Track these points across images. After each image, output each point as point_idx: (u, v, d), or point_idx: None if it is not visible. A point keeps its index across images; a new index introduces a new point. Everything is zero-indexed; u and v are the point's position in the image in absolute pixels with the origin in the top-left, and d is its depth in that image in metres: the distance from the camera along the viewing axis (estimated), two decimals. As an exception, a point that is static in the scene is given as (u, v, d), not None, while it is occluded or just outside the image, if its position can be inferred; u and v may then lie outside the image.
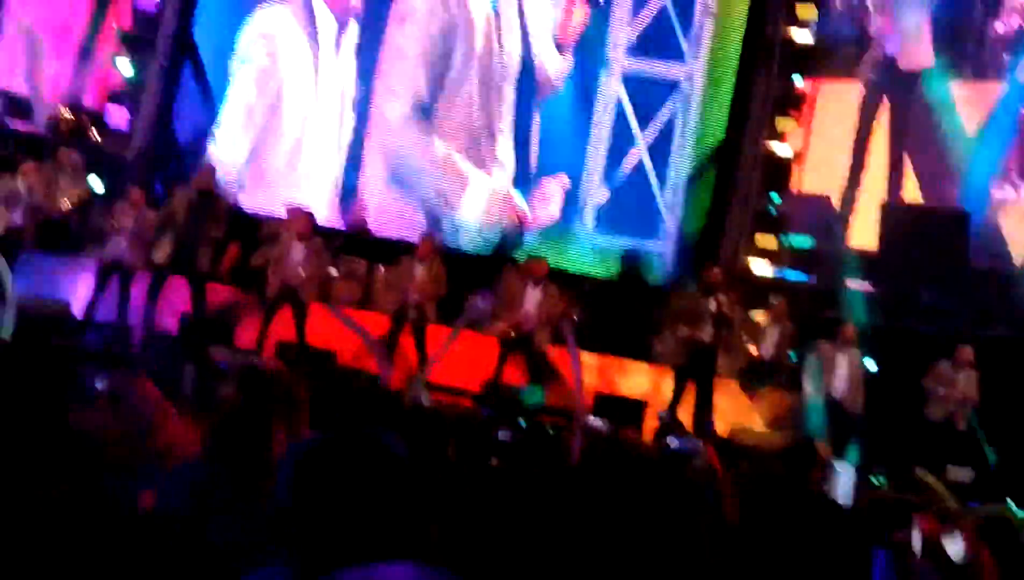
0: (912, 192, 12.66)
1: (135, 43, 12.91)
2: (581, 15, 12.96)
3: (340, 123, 13.14)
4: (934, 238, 11.57)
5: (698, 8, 13.03)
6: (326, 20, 13.17)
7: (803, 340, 10.95)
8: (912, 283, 11.61)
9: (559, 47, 13.01)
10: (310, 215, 10.86)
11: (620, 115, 13.00)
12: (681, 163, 12.88)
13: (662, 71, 13.02)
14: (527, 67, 13.01)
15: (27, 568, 2.29)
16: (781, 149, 12.73)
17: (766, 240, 12.50)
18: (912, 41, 12.68)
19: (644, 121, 12.97)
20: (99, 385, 3.28)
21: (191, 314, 10.21)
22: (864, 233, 12.44)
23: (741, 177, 12.84)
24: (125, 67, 12.83)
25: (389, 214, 12.99)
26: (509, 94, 12.99)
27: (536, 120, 13.01)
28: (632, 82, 13.02)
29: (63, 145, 11.23)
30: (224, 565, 2.44)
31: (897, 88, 12.78)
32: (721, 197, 12.81)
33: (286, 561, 1.85)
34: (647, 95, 12.97)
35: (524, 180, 12.95)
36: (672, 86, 12.98)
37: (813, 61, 12.88)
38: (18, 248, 10.15)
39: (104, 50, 13.18)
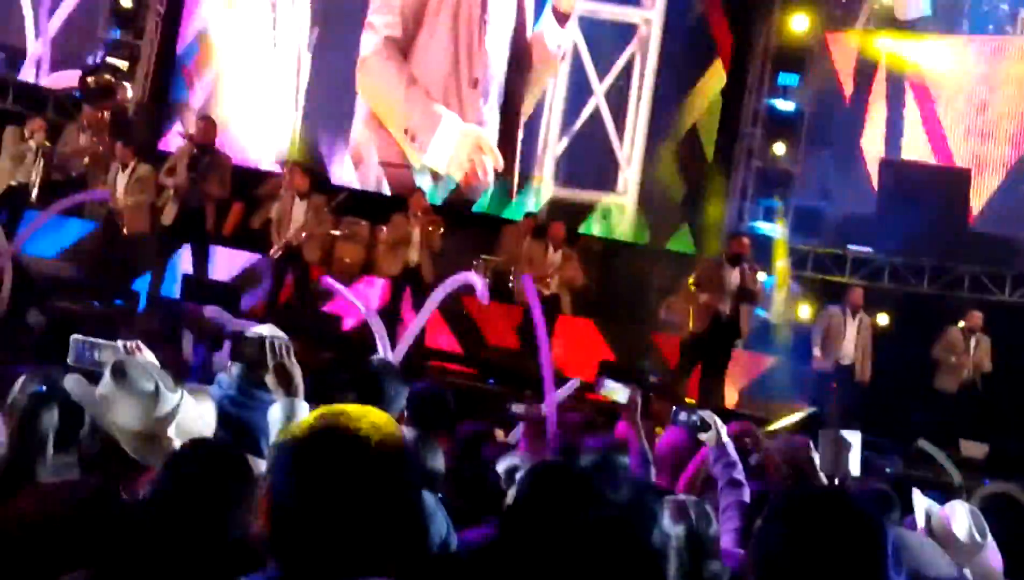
0: (920, 149, 12.55)
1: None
2: None
3: (297, 67, 12.80)
4: (933, 197, 11.42)
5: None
6: None
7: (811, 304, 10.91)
8: (911, 245, 11.48)
9: (560, 17, 12.76)
10: (309, 170, 10.68)
11: (576, 61, 12.75)
12: (640, 112, 12.64)
13: (619, 15, 12.77)
14: (519, 38, 12.72)
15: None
16: (784, 105, 12.57)
17: (768, 201, 12.38)
18: None
19: (602, 68, 12.70)
20: (96, 355, 3.19)
21: (193, 277, 10.12)
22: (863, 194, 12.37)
23: (743, 134, 12.72)
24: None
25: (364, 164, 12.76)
26: (494, 48, 12.67)
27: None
28: (588, 26, 12.74)
29: (89, 103, 11.02)
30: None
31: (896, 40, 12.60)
32: (724, 155, 12.67)
33: (280, 567, 1.68)
34: (604, 40, 12.71)
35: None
36: (630, 30, 12.73)
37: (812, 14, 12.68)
38: (24, 204, 10.06)
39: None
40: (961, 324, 10.37)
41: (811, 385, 10.64)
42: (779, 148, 12.43)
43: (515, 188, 12.76)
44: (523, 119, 12.76)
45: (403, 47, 12.66)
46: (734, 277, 9.83)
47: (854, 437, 4.40)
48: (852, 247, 12.04)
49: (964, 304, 10.86)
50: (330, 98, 12.83)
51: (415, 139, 12.60)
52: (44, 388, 2.96)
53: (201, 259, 10.14)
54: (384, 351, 4.92)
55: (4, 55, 12.40)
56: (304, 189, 10.18)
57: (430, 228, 10.25)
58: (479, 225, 12.03)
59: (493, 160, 12.64)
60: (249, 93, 12.74)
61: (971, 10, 12.68)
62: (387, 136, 12.69)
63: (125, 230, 9.97)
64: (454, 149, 12.59)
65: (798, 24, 12.46)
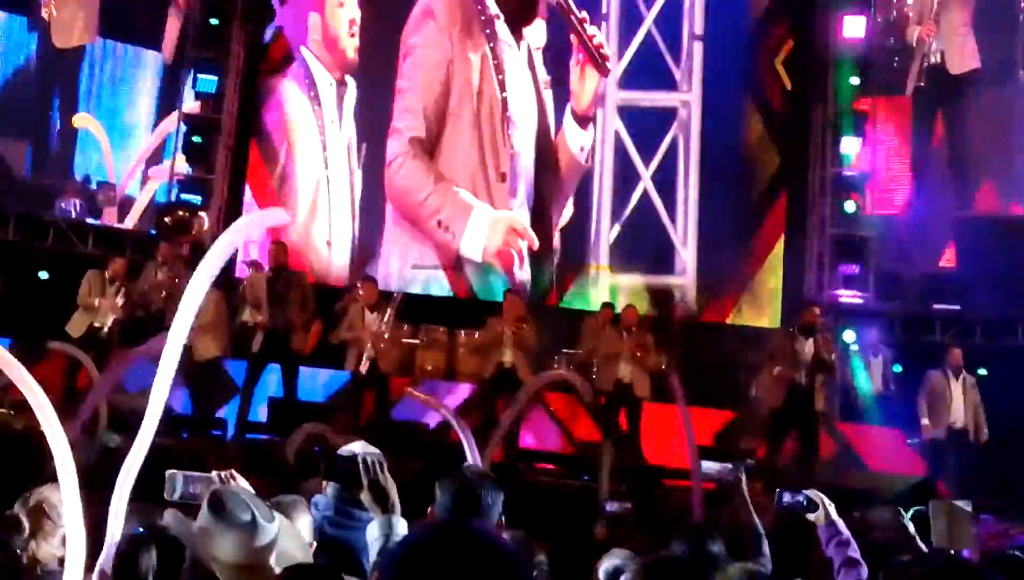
0: (990, 201, 12.35)
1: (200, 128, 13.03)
2: (593, 83, 12.84)
3: (350, 183, 13.06)
4: (1011, 248, 11.17)
5: (685, 34, 12.94)
6: (324, 80, 13.19)
7: (906, 369, 10.63)
8: (996, 298, 11.20)
9: (580, 120, 12.91)
10: (374, 281, 10.83)
11: (620, 148, 12.88)
12: (690, 193, 12.70)
13: (658, 101, 12.92)
14: (543, 140, 12.88)
15: None
16: (849, 171, 12.47)
17: (848, 267, 12.18)
18: (957, 43, 12.50)
19: (646, 153, 12.84)
20: (192, 488, 3.19)
21: (283, 399, 10.21)
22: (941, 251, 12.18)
23: (811, 204, 12.62)
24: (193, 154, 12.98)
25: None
26: (520, 145, 12.84)
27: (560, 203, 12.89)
28: (628, 114, 12.91)
29: (166, 240, 11.32)
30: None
31: (948, 95, 12.53)
32: (795, 227, 12.57)
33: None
34: (645, 126, 12.87)
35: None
36: (670, 114, 12.85)
37: (865, 78, 12.65)
38: (110, 345, 10.24)
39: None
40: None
41: (924, 454, 10.30)
42: (851, 212, 12.28)
43: (553, 281, 12.78)
44: (556, 221, 12.85)
45: (429, 147, 12.90)
46: (808, 348, 9.70)
47: (967, 506, 4.23)
48: (938, 306, 11.77)
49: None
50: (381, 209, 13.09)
51: (448, 230, 12.73)
52: (141, 529, 2.96)
53: (290, 381, 10.25)
54: (472, 457, 4.87)
55: (83, 202, 12.80)
56: (373, 300, 10.28)
57: (524, 326, 10.28)
58: (550, 318, 11.97)
59: (528, 242, 12.68)
60: (311, 215, 13.02)
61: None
62: (419, 236, 12.82)
63: (195, 357, 10.05)
64: (488, 236, 12.71)
65: (855, 87, 12.41)
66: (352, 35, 13.15)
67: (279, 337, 10.05)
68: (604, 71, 12.80)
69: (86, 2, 13.15)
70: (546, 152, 12.92)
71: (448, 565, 1.70)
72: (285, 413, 9.59)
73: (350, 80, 13.17)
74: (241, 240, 4.51)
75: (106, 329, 10.12)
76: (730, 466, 4.46)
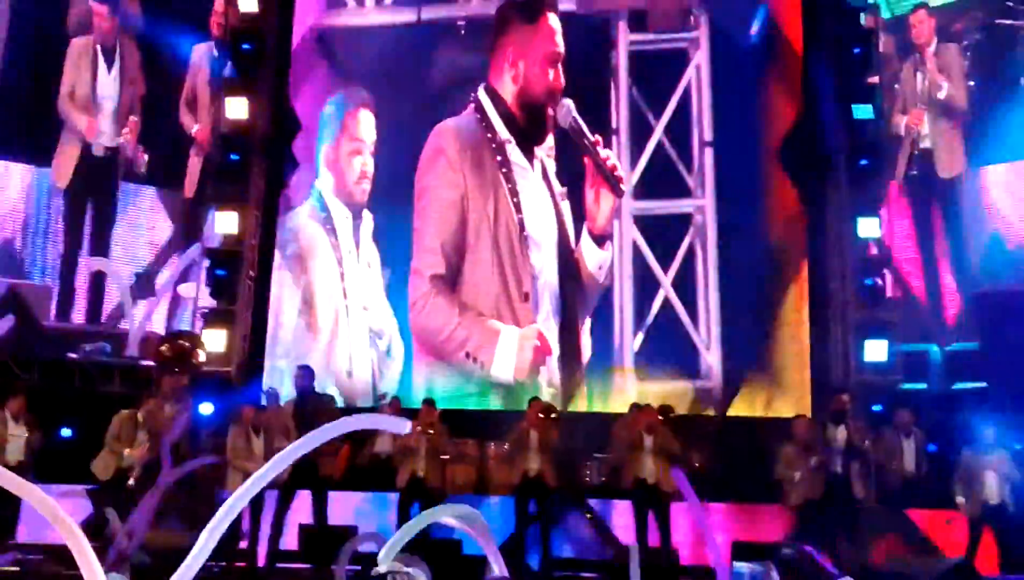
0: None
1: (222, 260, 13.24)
2: (609, 204, 13.03)
3: (369, 310, 13.31)
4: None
5: (695, 140, 13.15)
6: (340, 213, 13.51)
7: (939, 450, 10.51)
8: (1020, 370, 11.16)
9: (597, 240, 13.09)
10: (398, 401, 11.01)
11: (639, 257, 13.06)
12: (711, 296, 12.81)
13: (672, 208, 13.12)
14: (565, 251, 13.08)
15: None
16: (871, 254, 12.51)
17: (874, 351, 12.10)
18: (945, 148, 12.94)
19: (665, 259, 13.04)
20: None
21: (314, 525, 10.16)
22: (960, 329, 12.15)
23: (832, 291, 12.61)
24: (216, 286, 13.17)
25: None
26: (541, 260, 13.02)
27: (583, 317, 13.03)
28: (644, 222, 13.11)
29: (166, 373, 11.37)
30: None
31: (939, 189, 12.93)
32: (819, 316, 12.56)
33: None
34: (662, 232, 13.07)
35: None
36: (686, 220, 13.05)
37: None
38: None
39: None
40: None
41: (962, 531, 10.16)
42: (872, 294, 12.26)
43: (582, 388, 12.85)
44: (582, 329, 12.95)
45: (450, 281, 13.11)
46: (840, 435, 9.63)
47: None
48: (960, 386, 11.69)
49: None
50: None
51: (477, 360, 12.85)
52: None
53: (320, 507, 10.22)
54: (498, 569, 4.83)
55: (109, 344, 12.97)
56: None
57: (547, 425, 10.30)
58: (580, 424, 11.94)
59: (551, 352, 12.81)
60: (331, 344, 13.25)
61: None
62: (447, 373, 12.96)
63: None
64: (517, 356, 12.80)
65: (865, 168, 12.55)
66: (360, 182, 13.53)
67: (308, 462, 10.03)
68: (619, 193, 13.00)
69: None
70: (568, 262, 13.09)
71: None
72: (317, 540, 9.53)
73: (366, 212, 13.49)
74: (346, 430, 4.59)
75: (133, 478, 9.99)
76: (760, 566, 4.42)
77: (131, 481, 9.91)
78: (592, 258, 13.09)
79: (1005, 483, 9.93)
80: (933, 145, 13.00)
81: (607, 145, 13.18)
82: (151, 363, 12.70)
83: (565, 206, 13.14)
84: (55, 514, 2.84)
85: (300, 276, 13.51)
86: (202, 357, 12.41)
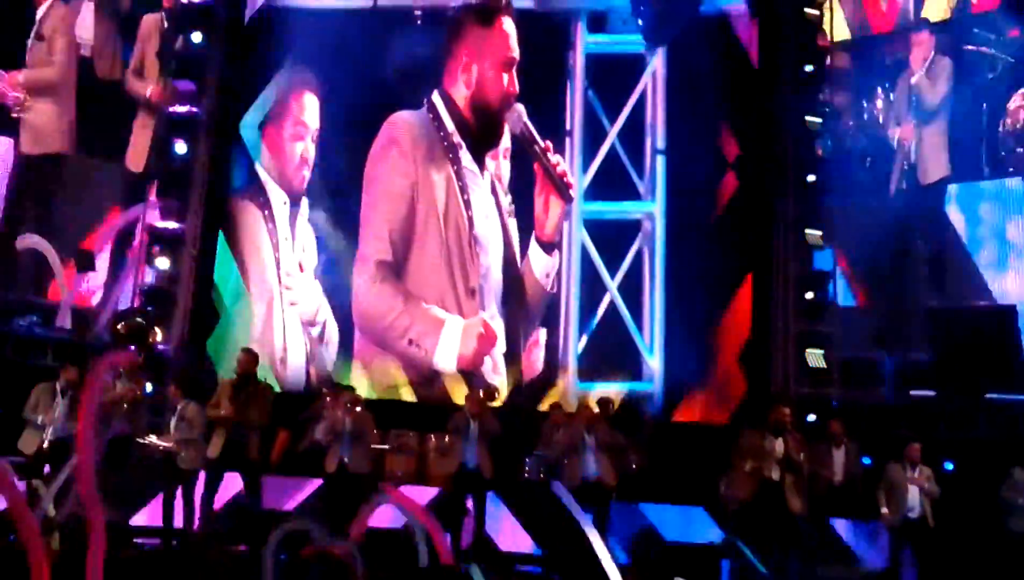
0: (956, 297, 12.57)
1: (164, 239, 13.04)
2: (557, 210, 13.09)
3: (303, 298, 13.22)
4: (982, 338, 11.36)
5: (648, 147, 13.28)
6: (278, 198, 13.42)
7: (876, 460, 10.70)
8: (971, 387, 11.37)
9: (545, 246, 13.14)
10: (351, 389, 10.95)
11: (587, 260, 13.09)
12: (656, 301, 12.92)
13: (622, 212, 13.17)
14: (510, 270, 13.11)
15: None
16: (816, 265, 12.68)
17: (815, 360, 12.28)
18: (929, 154, 12.89)
19: (613, 262, 13.09)
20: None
21: (247, 507, 10.07)
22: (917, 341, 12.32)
23: (775, 302, 12.76)
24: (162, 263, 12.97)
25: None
26: (488, 263, 13.06)
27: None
28: (593, 226, 13.16)
29: (121, 348, 11.24)
30: None
31: (925, 197, 12.84)
32: (761, 323, 12.70)
33: None
34: (611, 237, 13.13)
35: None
36: (635, 225, 13.12)
37: (831, 175, 12.95)
38: (67, 458, 10.03)
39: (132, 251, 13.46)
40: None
41: (883, 542, 10.36)
42: (816, 307, 12.44)
43: (522, 390, 12.90)
44: (524, 345, 13.00)
45: (396, 268, 13.07)
46: (778, 447, 9.83)
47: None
48: (915, 392, 11.91)
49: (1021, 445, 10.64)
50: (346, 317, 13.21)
51: (420, 346, 12.79)
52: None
53: (253, 489, 10.13)
54: (421, 559, 4.79)
55: (38, 317, 12.69)
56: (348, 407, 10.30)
57: (487, 414, 10.39)
58: (520, 423, 11.95)
59: (496, 342, 12.82)
60: (265, 331, 13.17)
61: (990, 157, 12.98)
62: (386, 362, 12.87)
63: (182, 466, 9.97)
64: (460, 345, 12.80)
65: (815, 184, 12.69)
66: (300, 169, 13.44)
67: (239, 445, 9.93)
68: (568, 199, 13.06)
69: (62, 110, 13.26)
70: (512, 280, 13.10)
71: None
72: (248, 521, 9.43)
73: (304, 200, 13.38)
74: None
75: (46, 443, 9.78)
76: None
77: (45, 444, 9.75)
78: (539, 265, 13.12)
79: (927, 499, 10.16)
80: (918, 153, 13.04)
81: (560, 146, 13.23)
82: (83, 338, 12.50)
83: (512, 224, 13.16)
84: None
85: (236, 258, 13.34)
86: (159, 336, 12.28)
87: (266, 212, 13.40)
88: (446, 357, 12.82)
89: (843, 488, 10.65)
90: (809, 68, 12.96)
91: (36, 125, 13.29)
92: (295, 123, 13.56)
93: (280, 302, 13.20)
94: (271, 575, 6.36)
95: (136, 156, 13.61)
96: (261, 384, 10.64)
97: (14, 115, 13.25)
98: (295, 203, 13.40)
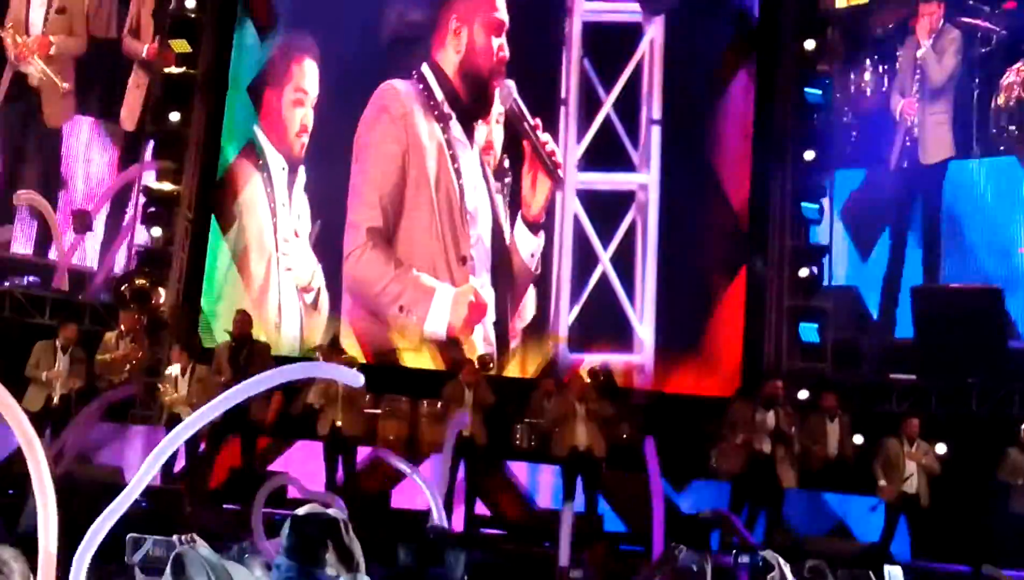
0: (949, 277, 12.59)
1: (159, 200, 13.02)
2: (545, 190, 13.04)
3: (299, 262, 13.20)
4: (969, 318, 11.36)
5: (643, 117, 13.18)
6: (277, 163, 13.32)
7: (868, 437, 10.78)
8: (953, 368, 11.38)
9: (531, 226, 13.09)
10: (342, 352, 10.96)
11: (579, 230, 13.05)
12: (648, 273, 12.89)
13: (616, 182, 13.11)
14: (498, 246, 13.06)
15: None
16: (812, 240, 12.70)
17: (807, 337, 12.32)
18: (931, 132, 12.73)
19: (606, 233, 13.02)
20: (155, 552, 3.19)
21: (241, 468, 10.16)
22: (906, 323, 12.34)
23: (769, 276, 12.78)
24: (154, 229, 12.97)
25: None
26: (480, 234, 13.01)
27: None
28: (587, 196, 13.09)
29: (124, 310, 11.23)
30: None
31: (924, 176, 12.78)
32: (755, 299, 12.74)
33: None
34: (604, 208, 13.04)
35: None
36: (629, 196, 13.05)
37: (832, 146, 12.90)
38: (67, 417, 10.12)
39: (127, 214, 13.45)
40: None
41: (877, 516, 10.45)
42: (807, 282, 12.46)
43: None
44: (512, 324, 12.96)
45: (387, 235, 13.02)
46: (769, 419, 9.89)
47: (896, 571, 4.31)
48: (895, 375, 11.93)
49: (1016, 423, 10.69)
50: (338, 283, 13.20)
51: (410, 313, 12.80)
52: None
53: (249, 451, 10.22)
54: (438, 518, 4.87)
55: (38, 277, 12.72)
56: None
57: (483, 384, 10.46)
58: (511, 391, 12.01)
59: (486, 311, 12.81)
60: (261, 295, 13.13)
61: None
62: (379, 326, 12.87)
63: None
64: (451, 312, 12.81)
65: (812, 160, 12.66)
66: (300, 136, 13.33)
67: (238, 406, 9.99)
68: (556, 178, 12.98)
69: (66, 77, 13.22)
70: (501, 252, 13.07)
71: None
72: (245, 483, 9.51)
73: (301, 168, 13.32)
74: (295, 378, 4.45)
75: (56, 398, 9.97)
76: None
77: (55, 400, 9.87)
78: (525, 246, 13.08)
79: (923, 475, 10.21)
80: (920, 128, 12.77)
81: (554, 116, 13.17)
82: (80, 297, 12.53)
83: (500, 201, 13.10)
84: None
85: (234, 221, 13.33)
86: (162, 297, 12.34)
87: (264, 174, 13.35)
88: (437, 324, 12.83)
89: (836, 462, 10.75)
90: (810, 43, 12.83)
91: (48, 94, 13.22)
92: (295, 89, 13.46)
93: (277, 267, 13.19)
94: (260, 532, 6.45)
95: (130, 115, 13.52)
96: (259, 344, 10.75)
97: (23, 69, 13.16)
98: (293, 169, 13.35)
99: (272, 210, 13.29)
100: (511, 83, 12.93)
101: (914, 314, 11.82)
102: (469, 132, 13.14)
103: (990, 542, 9.55)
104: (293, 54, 13.52)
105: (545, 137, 12.98)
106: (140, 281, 12.28)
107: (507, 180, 13.15)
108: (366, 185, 13.12)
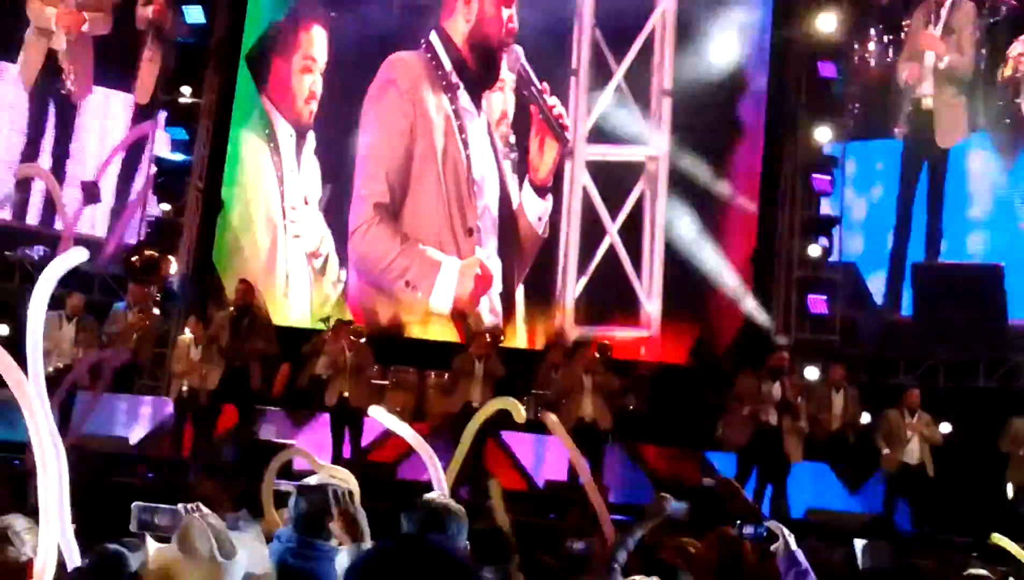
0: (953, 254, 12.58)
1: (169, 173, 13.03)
2: (553, 153, 12.98)
3: (308, 228, 13.19)
4: (969, 295, 11.35)
5: (654, 88, 13.09)
6: (284, 131, 13.29)
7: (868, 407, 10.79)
8: (954, 344, 11.38)
9: (539, 190, 13.03)
10: (350, 323, 11.04)
11: (587, 202, 12.99)
12: (656, 247, 12.84)
13: (626, 155, 13.03)
14: (505, 211, 13.03)
15: None
16: (817, 215, 12.67)
17: (815, 309, 12.33)
18: (947, 116, 12.59)
19: (613, 206, 12.95)
20: (157, 520, 3.19)
21: (242, 438, 10.21)
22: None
23: (779, 249, 12.76)
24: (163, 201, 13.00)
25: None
26: (486, 204, 12.99)
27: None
28: (596, 168, 13.02)
29: (134, 281, 11.30)
30: None
31: (934, 151, 12.70)
32: (764, 267, 12.72)
33: None
34: (613, 180, 12.98)
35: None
36: (639, 168, 12.99)
37: (842, 119, 12.84)
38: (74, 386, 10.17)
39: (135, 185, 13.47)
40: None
41: (878, 489, 10.49)
42: (817, 256, 12.45)
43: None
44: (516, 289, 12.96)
45: (393, 209, 13.00)
46: (775, 391, 9.93)
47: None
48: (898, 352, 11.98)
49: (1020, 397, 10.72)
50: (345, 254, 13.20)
51: (416, 288, 12.81)
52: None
53: (249, 420, 10.25)
54: (438, 487, 4.91)
55: (46, 249, 12.76)
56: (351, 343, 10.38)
57: (493, 357, 10.52)
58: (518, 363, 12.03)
59: (492, 282, 12.81)
60: (269, 262, 13.13)
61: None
62: (384, 302, 12.88)
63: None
64: (457, 286, 12.79)
65: (823, 136, 12.60)
66: (308, 103, 13.28)
67: (237, 375, 10.03)
68: (564, 141, 12.90)
69: (87, 54, 13.18)
70: (507, 223, 13.04)
71: (409, 572, 1.76)
72: (248, 452, 9.56)
73: (310, 133, 13.29)
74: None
75: (51, 368, 10.00)
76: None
77: (51, 369, 9.88)
78: (532, 209, 13.04)
79: (925, 445, 10.25)
80: (936, 110, 12.60)
81: (565, 86, 13.10)
82: (87, 268, 12.55)
83: (507, 166, 13.06)
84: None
85: (243, 191, 13.32)
86: (172, 269, 12.35)
87: (271, 144, 13.33)
88: (442, 298, 12.82)
89: (841, 434, 10.78)
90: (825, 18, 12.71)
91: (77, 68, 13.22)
92: (304, 56, 13.42)
93: (285, 235, 13.19)
94: (271, 503, 6.47)
95: (144, 89, 13.52)
96: (260, 313, 10.74)
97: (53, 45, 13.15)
98: (301, 136, 13.32)
99: (279, 178, 13.26)
100: (519, 48, 12.85)
101: (914, 290, 11.83)
102: (477, 101, 13.10)
103: (985, 510, 9.60)
104: (302, 22, 13.46)
105: (552, 101, 12.89)
106: (149, 252, 12.30)
107: (513, 145, 13.11)
108: (373, 159, 13.11)
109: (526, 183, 13.07)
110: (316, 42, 13.45)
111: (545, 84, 12.89)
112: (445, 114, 13.03)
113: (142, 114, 13.63)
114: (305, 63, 13.38)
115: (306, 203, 13.23)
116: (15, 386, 2.82)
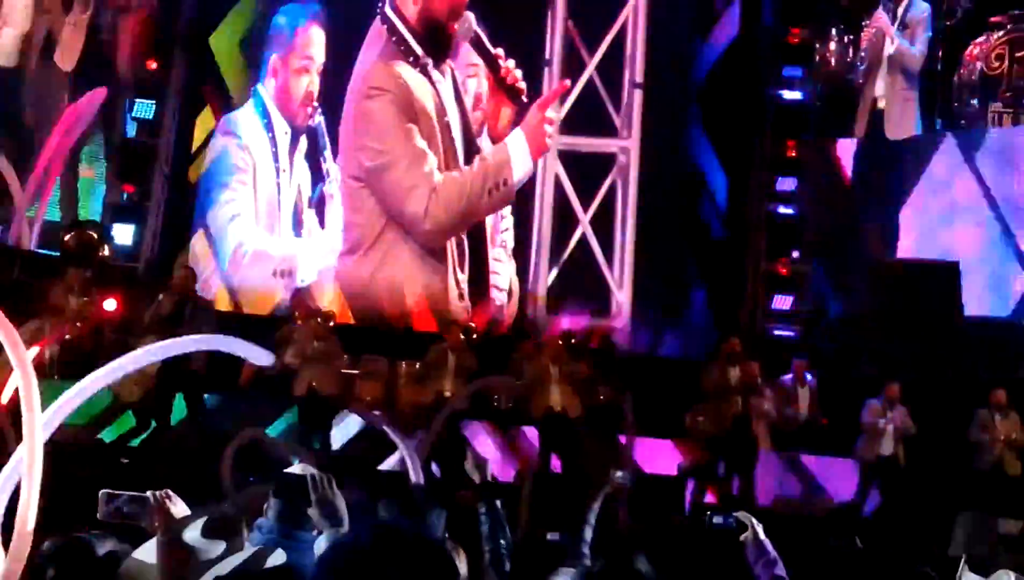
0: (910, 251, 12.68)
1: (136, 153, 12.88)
2: (508, 113, 12.94)
3: (300, 223, 13.16)
4: (925, 292, 11.47)
5: (626, 81, 13.10)
6: (281, 127, 13.18)
7: (834, 401, 10.87)
8: (904, 339, 11.51)
9: (495, 142, 12.94)
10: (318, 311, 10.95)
11: (560, 192, 13.02)
12: (627, 236, 12.88)
13: (598, 146, 13.07)
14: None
15: None
16: (787, 209, 12.74)
17: (782, 303, 12.43)
18: (897, 109, 12.73)
19: (586, 196, 12.98)
20: (126, 508, 3.16)
21: (189, 425, 10.08)
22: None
23: (751, 243, 12.85)
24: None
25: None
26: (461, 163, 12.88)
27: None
28: (568, 158, 13.04)
29: (72, 263, 10.91)
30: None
31: (888, 149, 12.80)
32: (735, 264, 12.79)
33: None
34: (585, 170, 13.03)
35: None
36: (610, 159, 13.01)
37: (807, 121, 12.93)
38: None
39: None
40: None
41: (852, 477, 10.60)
42: (785, 249, 12.56)
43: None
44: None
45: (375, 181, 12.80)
46: (734, 375, 10.00)
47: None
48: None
49: (984, 386, 10.82)
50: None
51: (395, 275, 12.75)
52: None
53: (194, 408, 10.10)
54: (415, 476, 4.90)
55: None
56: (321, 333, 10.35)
57: (466, 350, 10.47)
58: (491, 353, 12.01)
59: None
60: (255, 238, 13.02)
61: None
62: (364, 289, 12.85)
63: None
64: (527, 142, 12.55)
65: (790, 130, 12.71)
66: (304, 105, 13.14)
67: (178, 365, 9.73)
68: (519, 103, 12.68)
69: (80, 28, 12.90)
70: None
71: (382, 561, 1.74)
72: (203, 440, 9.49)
73: (303, 138, 13.16)
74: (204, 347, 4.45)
75: None
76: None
77: None
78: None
79: (900, 437, 10.34)
80: (887, 101, 12.76)
81: (538, 77, 13.07)
82: (52, 253, 12.35)
83: (477, 117, 13.03)
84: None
85: (237, 182, 13.17)
86: (107, 251, 12.10)
87: (270, 135, 13.18)
88: (520, 165, 12.58)
89: (809, 425, 10.86)
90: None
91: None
92: (301, 56, 13.25)
93: (279, 224, 13.09)
94: (231, 489, 6.44)
95: (69, 54, 13.03)
96: (201, 301, 10.52)
97: None
98: (295, 137, 13.15)
99: (277, 169, 13.12)
100: (471, 15, 12.52)
101: (871, 288, 11.94)
102: (440, 68, 12.84)
103: (954, 497, 9.73)
104: (300, 22, 13.29)
105: (508, 64, 12.49)
106: (87, 233, 11.91)
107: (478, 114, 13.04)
108: (350, 133, 12.90)
109: (484, 137, 12.98)
110: (314, 42, 13.29)
111: (499, 50, 12.50)
112: (417, 81, 12.72)
113: (114, 89, 13.26)
114: (303, 63, 13.20)
115: (299, 196, 13.13)
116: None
